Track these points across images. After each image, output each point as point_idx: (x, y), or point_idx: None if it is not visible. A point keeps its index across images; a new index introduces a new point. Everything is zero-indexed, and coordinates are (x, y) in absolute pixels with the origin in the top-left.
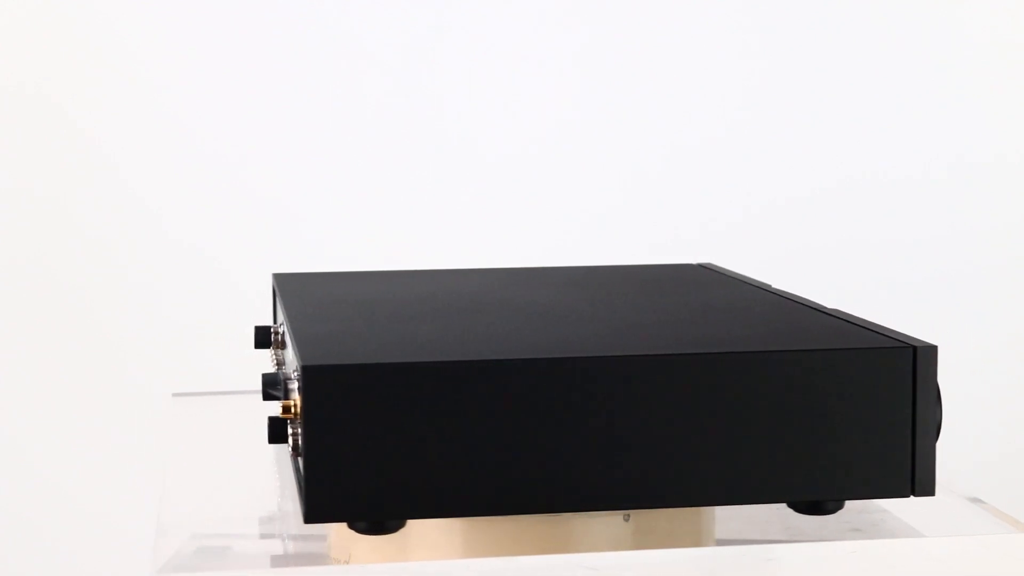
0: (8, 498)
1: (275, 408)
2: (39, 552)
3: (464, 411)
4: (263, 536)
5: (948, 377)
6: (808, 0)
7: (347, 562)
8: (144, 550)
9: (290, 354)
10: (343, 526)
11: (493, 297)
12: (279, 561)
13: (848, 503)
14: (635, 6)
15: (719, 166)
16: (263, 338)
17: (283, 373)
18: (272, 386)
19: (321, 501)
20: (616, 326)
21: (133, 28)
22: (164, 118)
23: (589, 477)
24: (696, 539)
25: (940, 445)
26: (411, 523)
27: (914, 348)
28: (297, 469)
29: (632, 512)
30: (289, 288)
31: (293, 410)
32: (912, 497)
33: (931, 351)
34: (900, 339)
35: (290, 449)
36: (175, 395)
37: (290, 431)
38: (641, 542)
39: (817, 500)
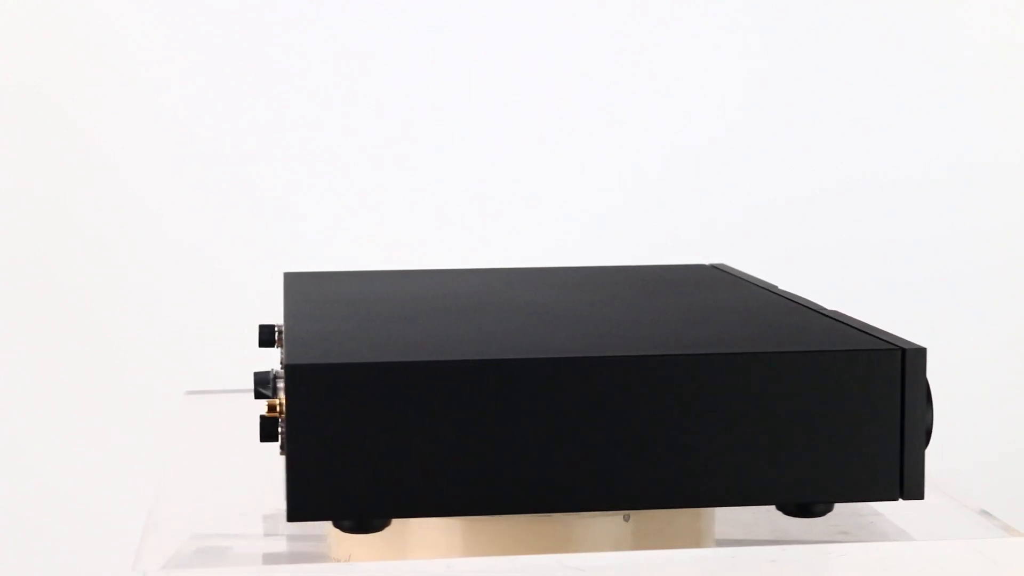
0: (8, 498)
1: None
2: (39, 552)
3: (447, 411)
4: (264, 535)
5: (948, 377)
6: (808, 0)
7: (347, 561)
8: (144, 550)
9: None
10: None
11: (495, 297)
12: (280, 560)
13: (838, 506)
14: (635, 6)
15: (719, 166)
16: (267, 337)
17: (274, 372)
18: (263, 385)
19: (303, 499)
20: (608, 327)
21: (133, 28)
22: (164, 118)
23: (572, 477)
24: (696, 540)
25: (939, 446)
26: (410, 523)
27: (902, 350)
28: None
29: (632, 512)
30: (295, 287)
31: (279, 409)
32: (901, 500)
33: (920, 353)
34: (890, 341)
35: (279, 447)
36: (188, 392)
37: (280, 430)
38: (641, 542)
39: (805, 503)
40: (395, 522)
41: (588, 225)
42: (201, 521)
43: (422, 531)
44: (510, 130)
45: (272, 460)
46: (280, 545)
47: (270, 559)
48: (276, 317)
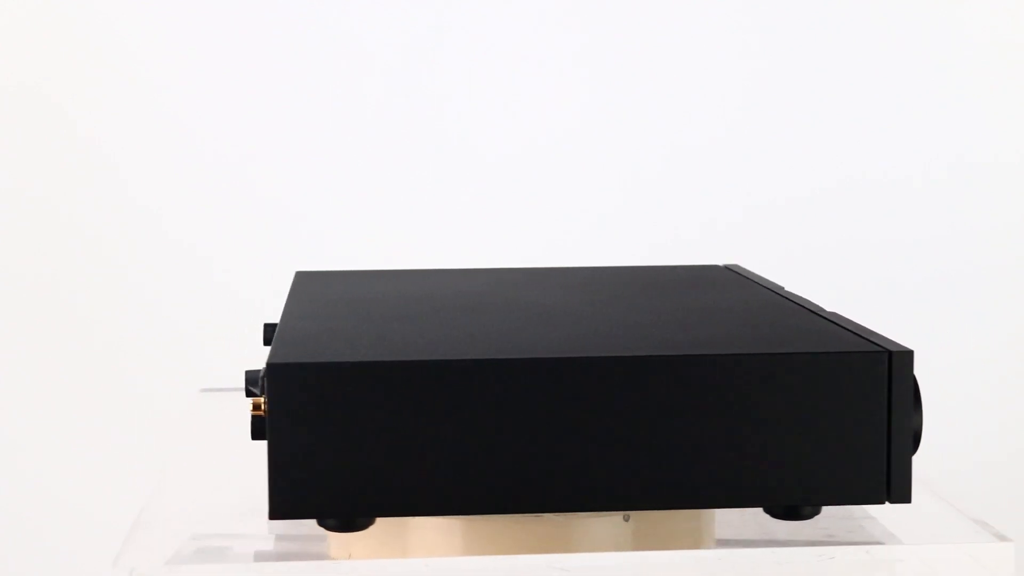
0: (7, 499)
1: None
2: (39, 552)
3: (430, 410)
4: (264, 534)
5: (948, 378)
6: (808, 0)
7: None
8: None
9: None
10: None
11: (497, 297)
12: (280, 559)
13: (827, 509)
14: (635, 6)
15: (719, 166)
16: (270, 335)
17: (263, 370)
18: (253, 383)
19: (285, 497)
20: (600, 328)
21: (133, 28)
22: (164, 118)
23: (554, 477)
24: (696, 540)
25: (939, 446)
26: (409, 523)
27: (889, 353)
28: None
29: (632, 513)
30: (302, 286)
31: (263, 407)
32: (888, 503)
33: (907, 356)
34: (878, 343)
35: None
36: (203, 390)
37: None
38: (641, 543)
39: (791, 505)
40: (394, 522)
41: (588, 225)
42: (201, 519)
43: (422, 531)
44: (510, 130)
45: None
46: (280, 545)
47: (269, 557)
48: None
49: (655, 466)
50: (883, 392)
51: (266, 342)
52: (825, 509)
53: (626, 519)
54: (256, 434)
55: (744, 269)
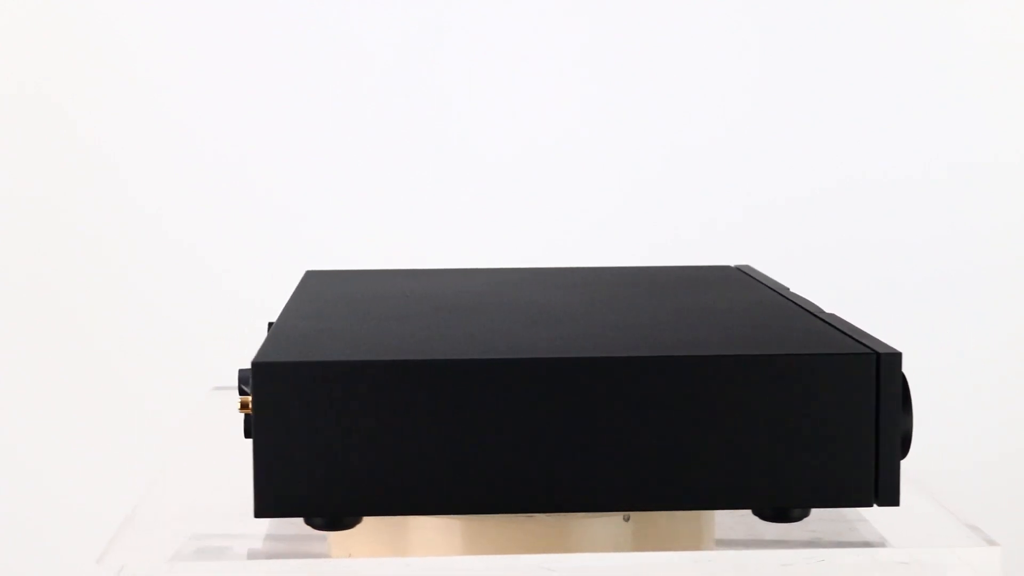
0: (7, 499)
1: None
2: (39, 553)
3: (414, 409)
4: (257, 533)
5: (947, 378)
6: (808, 0)
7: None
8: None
9: None
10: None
11: (497, 297)
12: (273, 557)
13: (822, 511)
14: (635, 6)
15: (719, 166)
16: None
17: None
18: (244, 382)
19: (270, 496)
20: (590, 329)
21: (133, 28)
22: (164, 118)
23: (537, 478)
24: (696, 540)
25: (939, 446)
26: (409, 523)
27: (877, 354)
28: None
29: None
30: (307, 285)
31: (251, 406)
32: (876, 506)
33: (895, 358)
34: (868, 345)
35: None
36: (215, 388)
37: None
38: (641, 543)
39: (778, 507)
40: (394, 521)
41: (588, 225)
42: (192, 518)
43: (422, 531)
44: (510, 130)
45: None
46: (278, 544)
47: (264, 556)
48: None
49: (640, 467)
50: (871, 394)
51: None
52: (819, 511)
53: (626, 519)
54: (248, 433)
55: (754, 270)
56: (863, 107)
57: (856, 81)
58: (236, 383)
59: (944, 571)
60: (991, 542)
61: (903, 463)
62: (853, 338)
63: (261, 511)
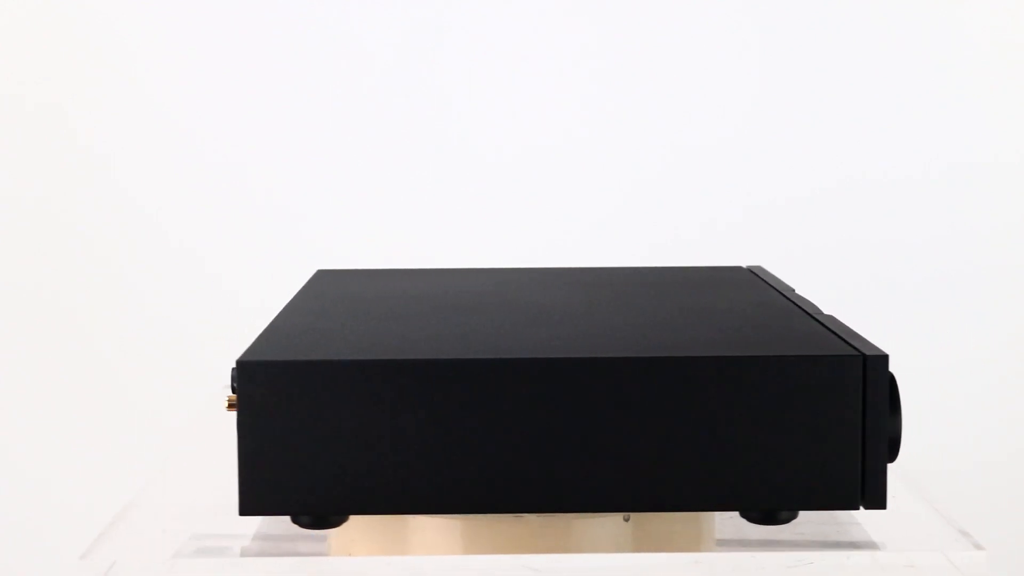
0: (6, 499)
1: None
2: (39, 552)
3: (397, 409)
4: (260, 533)
5: (948, 377)
6: (808, 0)
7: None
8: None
9: None
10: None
11: (502, 297)
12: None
13: (813, 513)
14: (635, 6)
15: (719, 166)
16: None
17: None
18: (235, 380)
19: (254, 494)
20: (580, 330)
21: (132, 27)
22: (163, 118)
23: (520, 478)
24: (696, 541)
25: (939, 446)
26: (408, 523)
27: (864, 356)
28: None
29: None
30: (314, 284)
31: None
32: (862, 509)
33: (882, 360)
34: (856, 347)
35: None
36: (224, 387)
37: None
38: (641, 544)
39: (766, 509)
40: (394, 521)
41: (589, 225)
42: (199, 517)
43: (421, 531)
44: (510, 130)
45: None
46: (278, 544)
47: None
48: None
49: (624, 469)
50: (857, 396)
51: None
52: (810, 513)
53: (626, 520)
54: None
55: (765, 271)
56: (863, 107)
57: (856, 81)
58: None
59: (931, 574)
60: (978, 546)
61: (902, 463)
62: (844, 340)
63: (246, 509)
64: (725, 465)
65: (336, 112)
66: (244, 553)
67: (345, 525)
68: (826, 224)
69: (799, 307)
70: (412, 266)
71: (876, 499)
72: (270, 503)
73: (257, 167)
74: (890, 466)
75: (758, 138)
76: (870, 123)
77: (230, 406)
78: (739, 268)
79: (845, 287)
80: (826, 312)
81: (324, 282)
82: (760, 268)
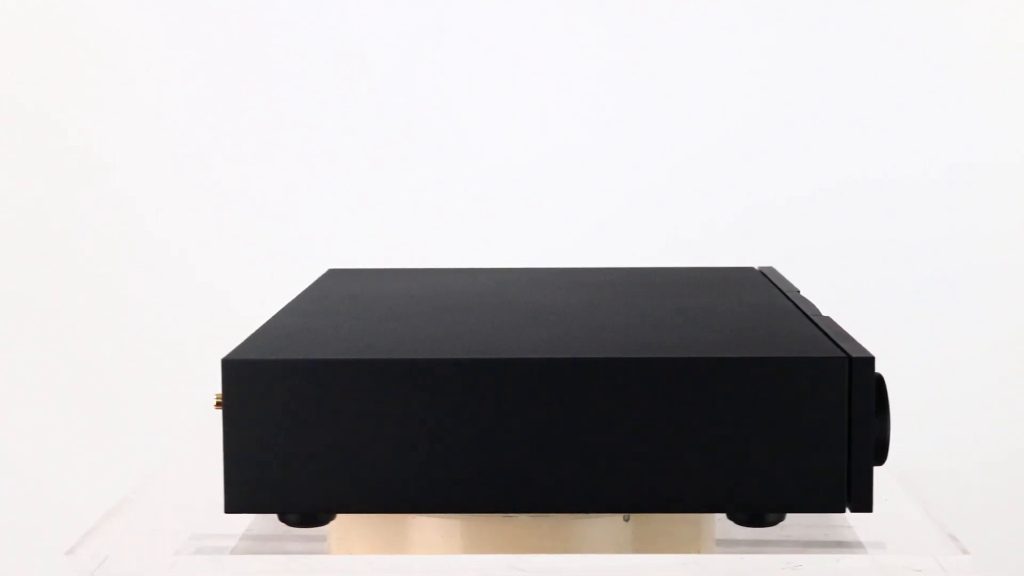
0: (6, 499)
1: None
2: (38, 553)
3: (383, 408)
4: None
5: (948, 377)
6: (808, 0)
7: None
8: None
9: None
10: (341, 525)
11: (504, 297)
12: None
13: (802, 516)
14: (636, 6)
15: (719, 166)
16: None
17: None
18: None
19: (239, 492)
20: (569, 330)
21: (131, 27)
22: (162, 118)
23: (503, 478)
24: (696, 541)
25: (940, 446)
26: (408, 523)
27: (849, 358)
28: None
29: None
30: (321, 283)
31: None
32: (848, 512)
33: (867, 362)
34: (843, 349)
35: None
36: None
37: None
38: (641, 544)
39: (752, 512)
40: (394, 520)
41: (589, 225)
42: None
43: (421, 531)
44: (510, 130)
45: None
46: (268, 543)
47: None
48: None
49: (607, 470)
50: (843, 398)
51: None
52: (802, 516)
53: (626, 519)
54: None
55: (775, 272)
56: (863, 107)
57: (856, 81)
58: None
59: None
60: (964, 551)
61: (902, 464)
62: (833, 341)
63: (231, 507)
64: (710, 467)
65: (336, 112)
66: (234, 551)
67: (345, 525)
68: (826, 224)
69: (800, 309)
70: (411, 266)
71: (862, 502)
72: (255, 501)
73: (257, 167)
74: (888, 467)
75: (758, 138)
76: (870, 123)
77: (217, 404)
78: (750, 269)
79: (845, 287)
80: (825, 313)
81: (329, 281)
82: (771, 269)
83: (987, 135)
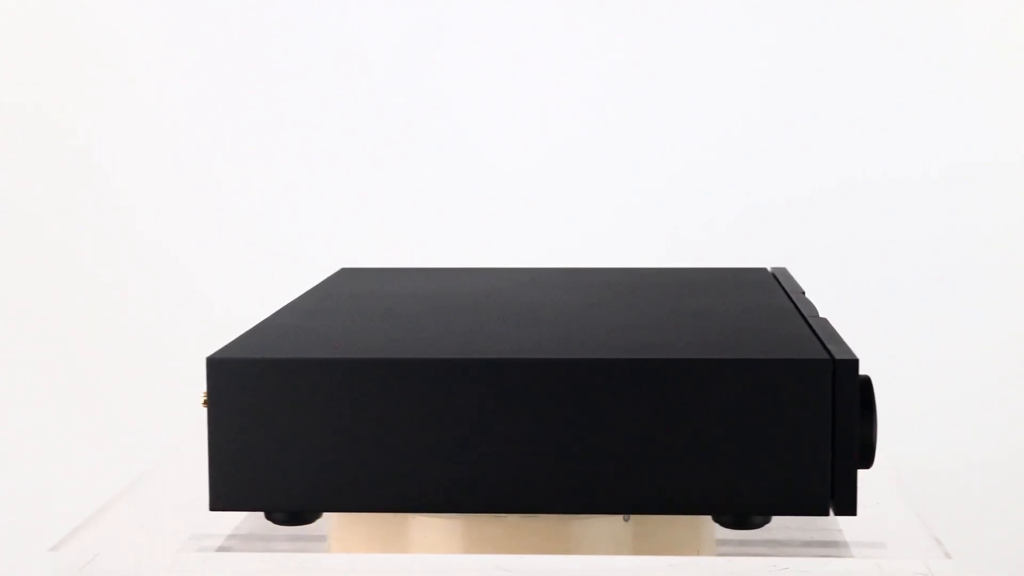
0: (6, 500)
1: None
2: (38, 553)
3: (370, 407)
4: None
5: (948, 377)
6: (808, 0)
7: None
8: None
9: None
10: (340, 524)
11: (507, 297)
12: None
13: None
14: (636, 6)
15: (719, 166)
16: None
17: None
18: None
19: (224, 489)
20: (563, 331)
21: (131, 27)
22: (161, 119)
23: (488, 478)
24: (696, 542)
25: (940, 446)
26: (407, 522)
27: (833, 360)
28: None
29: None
30: (330, 282)
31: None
32: (833, 515)
33: (851, 364)
34: (829, 351)
35: None
36: None
37: None
38: (641, 545)
39: (732, 514)
40: (393, 519)
41: (589, 225)
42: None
43: (421, 531)
44: (510, 130)
45: None
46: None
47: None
48: None
49: (593, 471)
50: (827, 401)
51: None
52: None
53: (626, 519)
54: None
55: (785, 273)
56: (863, 107)
57: (856, 81)
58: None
59: None
60: (947, 555)
61: (901, 464)
62: (822, 343)
63: (216, 504)
64: (693, 469)
65: (336, 112)
66: (220, 548)
67: (339, 524)
68: (826, 224)
69: (799, 310)
70: (410, 266)
71: (846, 505)
72: (240, 499)
73: (257, 168)
74: (886, 468)
75: (758, 138)
76: (870, 123)
77: (204, 403)
78: (762, 270)
79: (845, 287)
80: (824, 314)
81: (335, 281)
82: (782, 271)
83: (987, 135)
